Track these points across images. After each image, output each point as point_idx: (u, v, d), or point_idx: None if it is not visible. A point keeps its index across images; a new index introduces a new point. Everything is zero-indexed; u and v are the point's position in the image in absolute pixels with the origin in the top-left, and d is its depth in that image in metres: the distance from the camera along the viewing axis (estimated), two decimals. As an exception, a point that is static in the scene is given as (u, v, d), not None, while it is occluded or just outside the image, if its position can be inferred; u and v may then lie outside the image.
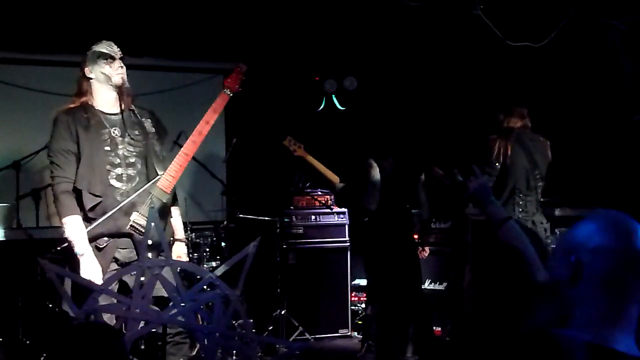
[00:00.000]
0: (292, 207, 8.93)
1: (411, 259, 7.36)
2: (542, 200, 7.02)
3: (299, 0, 8.34)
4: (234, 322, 6.86)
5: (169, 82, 9.70)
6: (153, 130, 5.44)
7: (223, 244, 8.16)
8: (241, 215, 8.28)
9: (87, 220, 5.11)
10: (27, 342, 7.20)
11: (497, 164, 6.76)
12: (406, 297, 7.22)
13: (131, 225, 5.13)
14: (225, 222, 8.40)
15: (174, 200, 5.64)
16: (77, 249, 5.01)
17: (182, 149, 5.40)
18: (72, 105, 5.30)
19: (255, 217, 8.40)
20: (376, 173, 7.19)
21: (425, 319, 7.42)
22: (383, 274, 7.24)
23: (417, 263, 7.42)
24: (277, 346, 7.70)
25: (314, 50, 9.61)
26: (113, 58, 5.30)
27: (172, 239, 5.51)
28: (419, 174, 7.48)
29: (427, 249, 7.67)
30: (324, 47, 9.50)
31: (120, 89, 5.30)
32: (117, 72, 5.28)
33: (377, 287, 7.32)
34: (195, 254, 7.74)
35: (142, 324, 4.69)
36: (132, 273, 4.81)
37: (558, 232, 7.22)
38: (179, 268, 4.89)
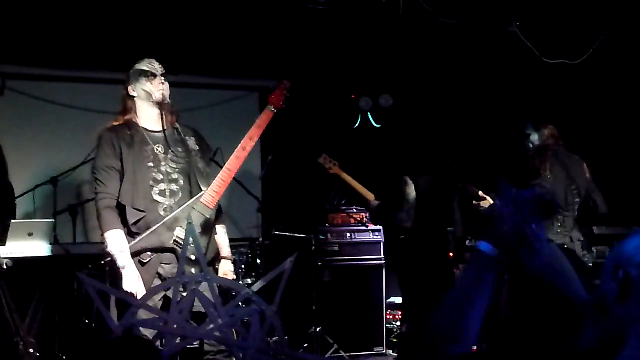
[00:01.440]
0: (327, 225, 8.93)
1: (446, 276, 7.33)
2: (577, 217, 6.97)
3: (335, 19, 8.36)
4: (268, 338, 6.86)
5: (205, 99, 9.75)
6: (197, 148, 5.48)
7: (258, 260, 8.17)
8: (277, 233, 8.29)
9: (131, 235, 5.14)
10: (64, 357, 7.23)
11: (547, 175, 6.74)
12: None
13: (174, 241, 5.16)
14: (260, 239, 8.41)
15: (220, 217, 5.65)
16: (120, 262, 5.03)
17: (225, 164, 5.42)
18: (116, 123, 5.36)
19: (291, 235, 8.41)
20: (412, 190, 7.18)
21: None
22: (418, 291, 7.22)
23: (452, 281, 7.40)
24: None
25: (349, 68, 9.62)
26: (154, 75, 5.35)
27: (218, 256, 5.53)
28: (454, 191, 7.45)
29: (461, 267, 7.63)
30: (360, 64, 9.51)
31: (161, 105, 5.33)
32: (158, 88, 5.33)
33: (412, 305, 7.30)
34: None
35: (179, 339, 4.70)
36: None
37: (595, 250, 7.17)
38: (217, 284, 4.90)
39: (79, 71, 9.01)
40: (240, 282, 7.76)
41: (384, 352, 8.74)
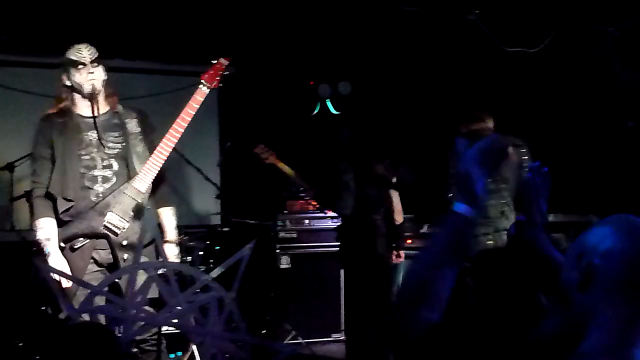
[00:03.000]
0: (285, 211, 8.92)
1: (382, 263, 7.29)
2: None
3: (294, 4, 8.34)
4: (226, 325, 6.85)
5: (163, 85, 9.68)
6: (138, 130, 5.39)
7: (217, 247, 8.14)
8: (235, 219, 8.28)
9: (60, 224, 5.11)
10: (20, 344, 7.18)
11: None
12: (376, 301, 7.15)
13: (105, 226, 5.11)
14: (219, 226, 8.39)
15: (166, 201, 5.62)
16: (46, 249, 5.00)
17: (156, 148, 5.35)
18: (50, 111, 5.31)
19: (249, 221, 8.40)
20: (350, 178, 7.12)
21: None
22: (358, 278, 7.20)
23: (387, 268, 7.37)
24: (270, 349, 7.68)
25: (308, 55, 9.61)
26: (83, 64, 5.21)
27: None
28: (390, 177, 7.40)
29: (402, 253, 7.57)
30: (319, 51, 9.50)
31: (92, 96, 5.23)
32: (87, 79, 5.20)
33: (351, 292, 7.33)
34: (189, 258, 7.72)
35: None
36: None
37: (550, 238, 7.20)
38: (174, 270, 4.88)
39: (34, 56, 8.91)
40: (199, 269, 7.74)
41: (342, 338, 8.75)
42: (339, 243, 7.54)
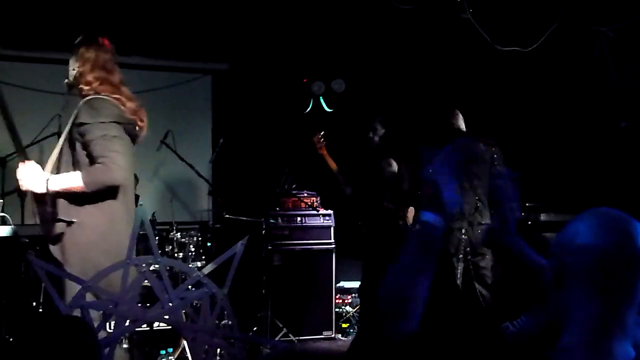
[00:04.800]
0: (278, 209, 8.91)
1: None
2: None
3: (288, 3, 8.34)
4: (217, 322, 6.85)
5: (157, 81, 9.68)
6: (72, 119, 5.25)
7: (209, 244, 8.14)
8: (227, 216, 8.27)
9: None
10: (11, 339, 7.16)
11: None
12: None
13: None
14: (211, 223, 8.39)
15: None
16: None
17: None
18: None
19: (241, 218, 8.39)
20: (393, 172, 7.23)
21: None
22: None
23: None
24: (261, 347, 7.69)
25: (302, 52, 9.61)
26: None
27: None
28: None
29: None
30: (312, 49, 9.50)
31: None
32: None
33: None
34: (181, 254, 7.72)
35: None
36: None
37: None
38: (166, 265, 4.87)
39: (29, 51, 8.91)
40: (190, 265, 7.74)
41: (333, 336, 8.75)
42: (367, 241, 7.61)
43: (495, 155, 6.79)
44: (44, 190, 4.78)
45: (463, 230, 6.53)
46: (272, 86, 9.88)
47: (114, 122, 4.87)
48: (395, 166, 7.31)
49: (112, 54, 5.19)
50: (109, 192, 4.85)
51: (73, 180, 4.77)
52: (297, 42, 9.36)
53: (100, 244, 4.82)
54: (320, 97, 9.87)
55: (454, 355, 2.38)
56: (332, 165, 7.88)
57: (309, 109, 9.91)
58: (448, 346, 2.39)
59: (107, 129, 4.81)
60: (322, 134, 8.01)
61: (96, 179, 4.75)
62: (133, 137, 5.06)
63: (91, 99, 4.95)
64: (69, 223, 4.86)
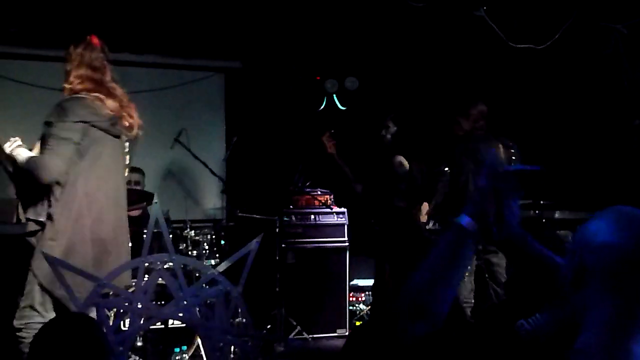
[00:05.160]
0: (291, 207, 8.91)
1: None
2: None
3: (302, 1, 8.34)
4: (231, 319, 6.86)
5: (170, 79, 9.70)
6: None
7: (222, 242, 8.14)
8: (240, 214, 8.28)
9: None
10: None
11: (445, 169, 6.77)
12: None
13: None
14: (224, 220, 8.39)
15: None
16: None
17: None
18: None
19: (255, 216, 8.39)
20: (405, 171, 7.22)
21: None
22: (406, 270, 7.25)
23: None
24: (275, 344, 7.69)
25: (315, 50, 9.60)
26: None
27: None
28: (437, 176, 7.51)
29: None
30: (326, 46, 9.49)
31: None
32: None
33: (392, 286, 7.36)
34: (195, 252, 7.73)
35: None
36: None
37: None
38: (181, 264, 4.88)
39: (44, 49, 8.91)
40: (204, 263, 7.75)
41: (347, 333, 8.75)
42: (380, 239, 7.62)
43: (514, 158, 6.80)
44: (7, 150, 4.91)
45: None
46: (285, 84, 9.88)
47: (80, 122, 4.90)
48: (406, 164, 7.30)
49: (101, 52, 5.22)
50: (70, 194, 4.90)
51: (27, 161, 4.87)
52: (310, 40, 9.36)
53: (62, 245, 4.86)
54: (334, 95, 9.87)
55: (468, 355, 2.37)
56: (342, 164, 7.87)
57: (322, 107, 9.90)
58: (461, 346, 2.39)
59: (63, 129, 4.86)
60: (331, 132, 7.99)
61: (30, 168, 4.82)
62: (115, 134, 5.10)
63: (65, 99, 5.03)
64: (38, 223, 4.91)
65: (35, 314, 4.80)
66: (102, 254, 4.87)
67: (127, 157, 5.26)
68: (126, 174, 5.31)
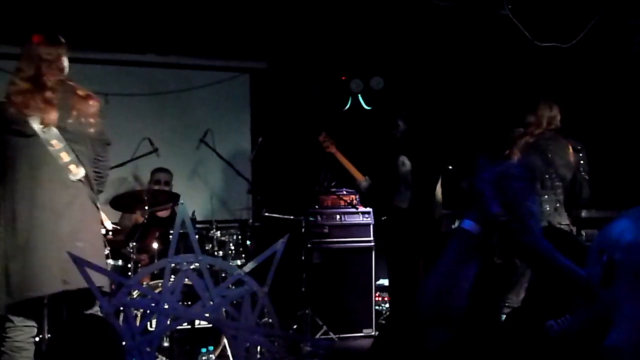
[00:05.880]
0: (317, 207, 8.92)
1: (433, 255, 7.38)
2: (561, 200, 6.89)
3: (326, 0, 8.34)
4: (258, 320, 6.87)
5: (196, 80, 9.73)
6: None
7: (248, 242, 8.15)
8: (267, 214, 8.29)
9: None
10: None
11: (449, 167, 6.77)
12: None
13: None
14: (250, 221, 8.40)
15: None
16: None
17: None
18: None
19: (281, 216, 8.41)
20: (407, 171, 7.19)
21: None
22: (409, 272, 7.23)
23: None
24: (302, 345, 7.70)
25: (340, 50, 9.60)
26: None
27: None
28: (439, 173, 7.47)
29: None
30: (351, 46, 9.49)
31: None
32: None
33: (400, 286, 7.34)
34: (221, 252, 7.74)
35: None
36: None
37: (584, 234, 7.19)
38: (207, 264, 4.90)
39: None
40: (230, 263, 7.77)
41: (373, 333, 8.75)
42: (384, 236, 7.62)
43: (582, 162, 6.80)
44: None
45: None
46: (310, 84, 9.87)
47: None
48: (408, 164, 7.26)
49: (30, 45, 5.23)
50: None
51: None
52: (335, 40, 9.35)
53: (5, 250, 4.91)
54: (359, 95, 9.85)
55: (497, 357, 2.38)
56: (345, 162, 7.83)
57: (347, 107, 9.90)
58: (488, 350, 2.40)
59: None
60: (324, 134, 7.95)
61: None
62: (26, 134, 5.00)
63: None
64: None
65: (11, 325, 4.85)
66: (41, 260, 4.86)
67: (61, 155, 5.04)
68: (76, 172, 5.10)
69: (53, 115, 5.03)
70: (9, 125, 4.94)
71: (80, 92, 5.22)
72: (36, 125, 4.98)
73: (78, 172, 5.03)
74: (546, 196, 6.68)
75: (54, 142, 5.01)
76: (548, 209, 6.66)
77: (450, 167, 7.54)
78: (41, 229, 4.90)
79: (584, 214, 7.63)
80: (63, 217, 4.95)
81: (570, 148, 6.84)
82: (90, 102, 5.23)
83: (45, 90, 5.06)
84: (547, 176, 6.71)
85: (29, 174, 4.95)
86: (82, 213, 5.06)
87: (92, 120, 5.19)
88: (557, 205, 6.72)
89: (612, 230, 2.25)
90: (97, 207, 5.22)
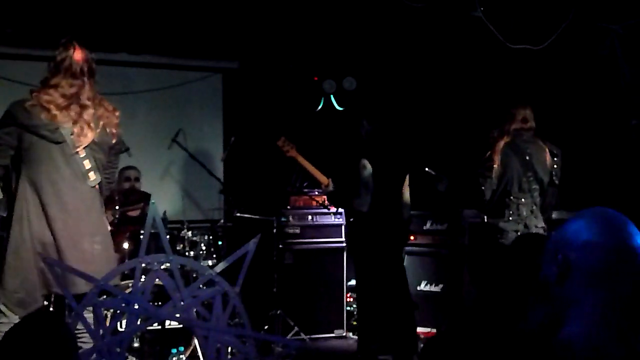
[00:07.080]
0: (289, 207, 8.92)
1: (398, 260, 7.37)
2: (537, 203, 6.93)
3: (299, 0, 8.33)
4: (229, 320, 6.85)
5: (167, 79, 9.70)
6: None
7: (220, 242, 8.14)
8: (238, 214, 8.28)
9: None
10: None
11: (493, 165, 6.75)
12: (391, 298, 7.21)
13: None
14: (222, 221, 8.40)
15: None
16: None
17: None
18: None
19: (253, 216, 8.40)
20: (369, 174, 7.16)
21: (408, 320, 7.33)
22: (371, 274, 7.23)
23: (402, 264, 7.46)
24: (273, 345, 7.69)
25: (313, 50, 9.60)
26: None
27: None
28: (405, 174, 7.45)
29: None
30: (323, 47, 9.49)
31: None
32: None
33: (364, 288, 7.35)
34: (192, 252, 7.72)
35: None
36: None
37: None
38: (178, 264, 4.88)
39: (39, 50, 8.91)
40: (202, 264, 7.74)
41: (344, 334, 8.77)
42: (349, 239, 7.62)
43: (555, 166, 6.84)
44: None
45: (518, 233, 6.55)
46: (283, 84, 9.88)
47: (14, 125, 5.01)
48: (369, 168, 7.23)
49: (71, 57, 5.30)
50: (12, 197, 5.02)
51: None
52: (308, 40, 9.35)
53: (11, 245, 4.95)
54: (331, 96, 9.85)
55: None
56: (307, 165, 7.80)
57: (319, 108, 9.89)
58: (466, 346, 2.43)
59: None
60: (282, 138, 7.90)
61: None
62: (54, 140, 5.04)
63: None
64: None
65: (5, 320, 4.84)
66: (68, 261, 4.88)
67: (84, 162, 5.14)
68: (94, 178, 5.19)
69: (90, 136, 5.13)
70: (39, 130, 4.98)
71: (107, 106, 5.32)
72: (67, 135, 5.05)
73: (95, 179, 5.15)
74: (523, 199, 6.70)
75: (80, 150, 5.10)
76: (525, 213, 6.69)
77: (427, 169, 7.55)
78: (65, 231, 4.96)
79: (554, 215, 7.65)
80: (83, 221, 5.05)
81: (548, 152, 6.87)
82: (116, 114, 5.35)
83: (84, 110, 5.15)
84: (524, 179, 6.73)
85: (53, 178, 5.02)
86: (98, 217, 5.20)
87: (114, 130, 5.29)
88: (534, 207, 6.75)
89: (568, 230, 2.34)
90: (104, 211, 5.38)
